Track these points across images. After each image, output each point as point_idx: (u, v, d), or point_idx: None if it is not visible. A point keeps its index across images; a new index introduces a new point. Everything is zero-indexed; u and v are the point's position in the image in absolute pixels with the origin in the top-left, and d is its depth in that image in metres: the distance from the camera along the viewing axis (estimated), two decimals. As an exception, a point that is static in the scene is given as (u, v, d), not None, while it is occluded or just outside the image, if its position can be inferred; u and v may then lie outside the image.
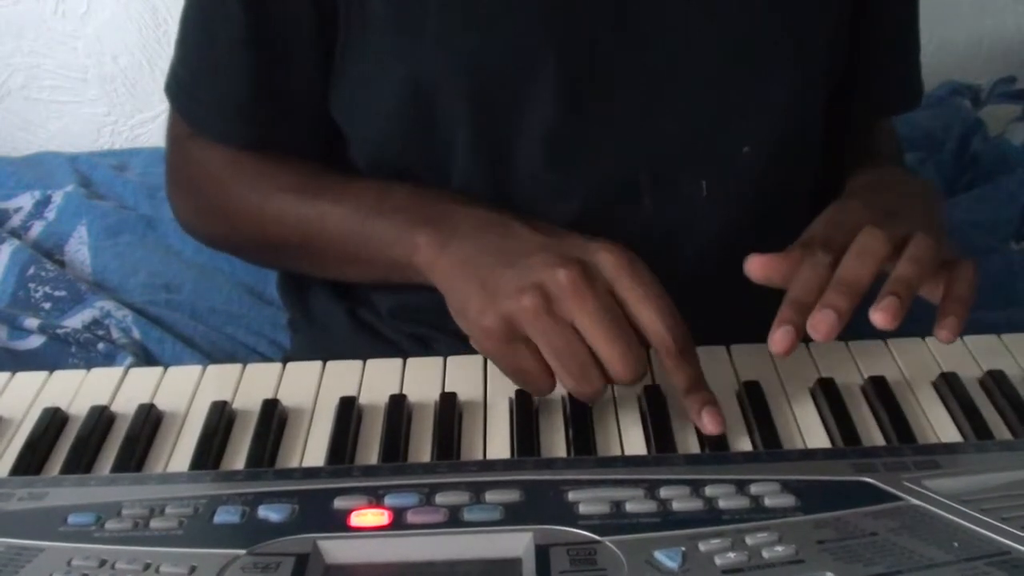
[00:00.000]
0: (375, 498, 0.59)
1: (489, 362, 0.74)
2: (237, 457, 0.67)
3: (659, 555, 0.54)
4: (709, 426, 0.67)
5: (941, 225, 0.78)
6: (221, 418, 0.70)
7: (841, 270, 0.66)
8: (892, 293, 0.65)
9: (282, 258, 0.89)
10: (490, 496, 0.59)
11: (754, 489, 0.59)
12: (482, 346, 0.69)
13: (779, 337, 0.65)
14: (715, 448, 0.66)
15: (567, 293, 0.65)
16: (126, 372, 0.76)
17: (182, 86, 0.83)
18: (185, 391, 0.74)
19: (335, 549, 0.56)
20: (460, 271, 0.70)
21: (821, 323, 0.64)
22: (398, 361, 0.76)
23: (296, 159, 0.83)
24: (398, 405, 0.70)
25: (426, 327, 0.84)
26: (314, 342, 0.91)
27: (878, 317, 0.64)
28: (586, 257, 0.67)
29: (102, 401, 0.72)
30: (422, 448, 0.68)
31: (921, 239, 0.68)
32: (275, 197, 0.81)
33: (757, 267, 0.68)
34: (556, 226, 0.73)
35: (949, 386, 0.71)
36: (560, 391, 0.71)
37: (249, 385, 0.74)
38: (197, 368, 0.77)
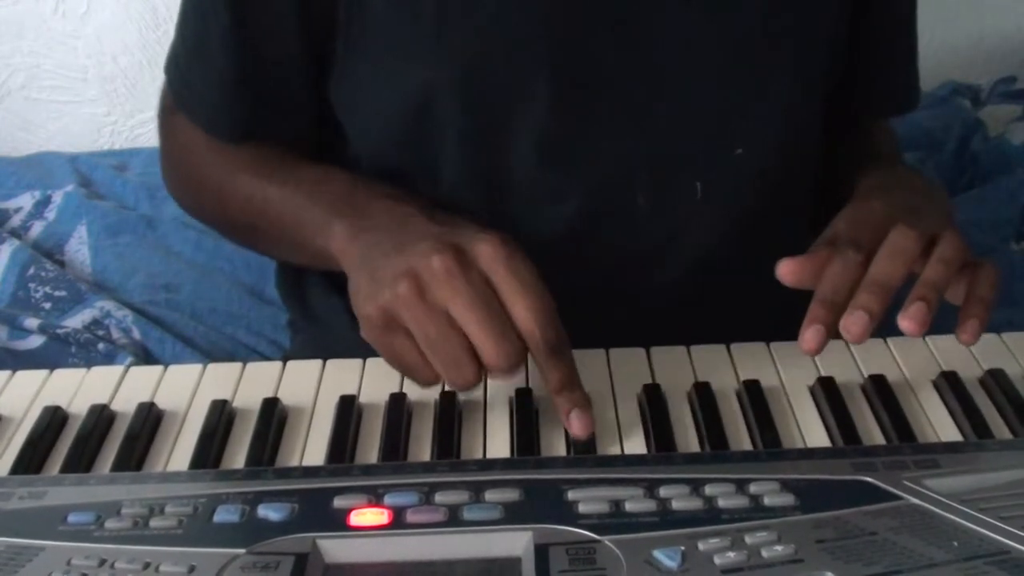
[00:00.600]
0: (375, 497, 0.59)
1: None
2: (237, 456, 0.67)
3: (658, 554, 0.54)
4: (576, 429, 0.65)
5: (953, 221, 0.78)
6: (221, 417, 0.70)
7: (873, 270, 0.66)
8: (921, 299, 0.64)
9: (240, 236, 0.90)
10: (490, 495, 0.59)
11: (753, 488, 0.59)
12: (366, 334, 0.68)
13: (810, 336, 0.64)
14: (714, 447, 0.66)
15: (439, 280, 0.64)
16: (126, 371, 0.76)
17: (179, 68, 0.84)
18: (185, 390, 0.74)
19: (335, 548, 0.56)
20: (359, 260, 0.70)
21: (854, 325, 0.63)
22: (398, 360, 0.76)
23: (264, 142, 0.84)
24: (398, 404, 0.70)
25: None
26: (314, 341, 0.92)
27: (907, 324, 0.63)
28: (465, 246, 0.66)
29: (102, 400, 0.72)
30: (422, 447, 0.68)
31: (950, 239, 0.68)
32: (233, 176, 0.83)
33: (789, 271, 0.67)
34: (459, 218, 0.72)
35: (949, 385, 0.71)
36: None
37: (249, 384, 0.74)
38: (197, 367, 0.77)
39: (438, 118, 0.77)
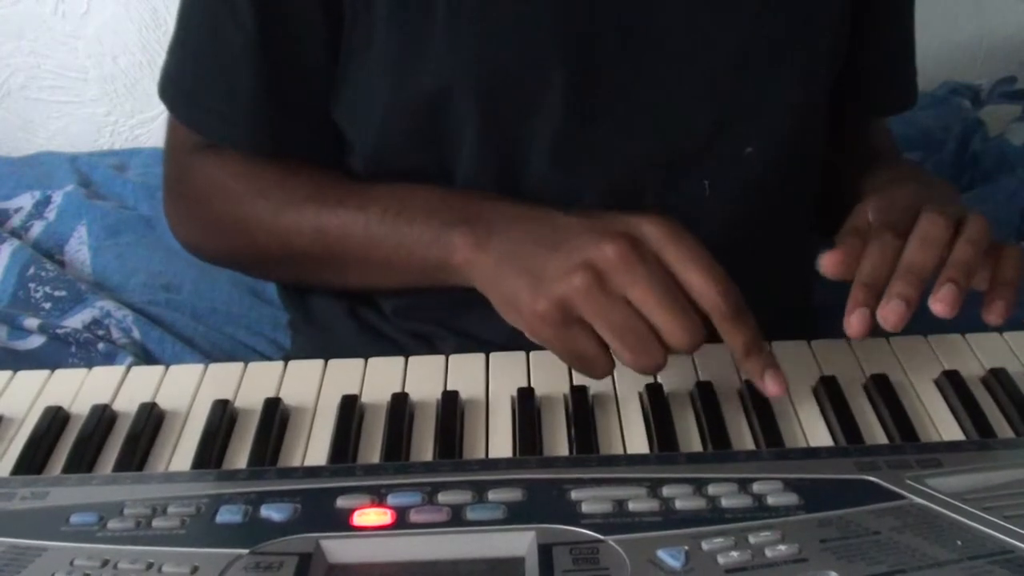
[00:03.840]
0: (378, 497, 0.59)
1: (491, 360, 0.74)
2: (239, 456, 0.67)
3: (662, 554, 0.54)
4: (771, 388, 0.66)
5: None
6: (223, 417, 0.70)
7: (907, 257, 0.67)
8: (951, 280, 0.65)
9: (302, 271, 0.85)
10: (493, 495, 0.59)
11: (757, 488, 0.59)
12: (538, 334, 0.67)
13: (856, 320, 0.65)
14: (717, 446, 0.66)
15: (617, 267, 0.64)
16: (127, 371, 0.76)
17: (184, 92, 0.81)
18: (187, 390, 0.74)
19: (338, 549, 0.56)
20: (505, 266, 0.69)
21: (892, 313, 0.64)
22: (400, 360, 0.76)
23: (307, 166, 0.81)
24: (400, 404, 0.70)
25: (429, 325, 0.84)
26: (315, 342, 0.91)
27: (939, 307, 0.64)
28: (631, 230, 0.66)
29: (104, 400, 0.72)
30: (424, 447, 0.68)
31: (976, 220, 0.69)
32: (291, 208, 0.79)
33: (832, 263, 0.68)
34: (591, 210, 0.72)
35: (951, 384, 0.71)
36: (562, 388, 0.71)
37: (251, 384, 0.74)
38: (199, 367, 0.77)
39: (451, 120, 0.76)
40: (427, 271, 0.75)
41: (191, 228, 0.88)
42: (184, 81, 0.81)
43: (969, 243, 0.67)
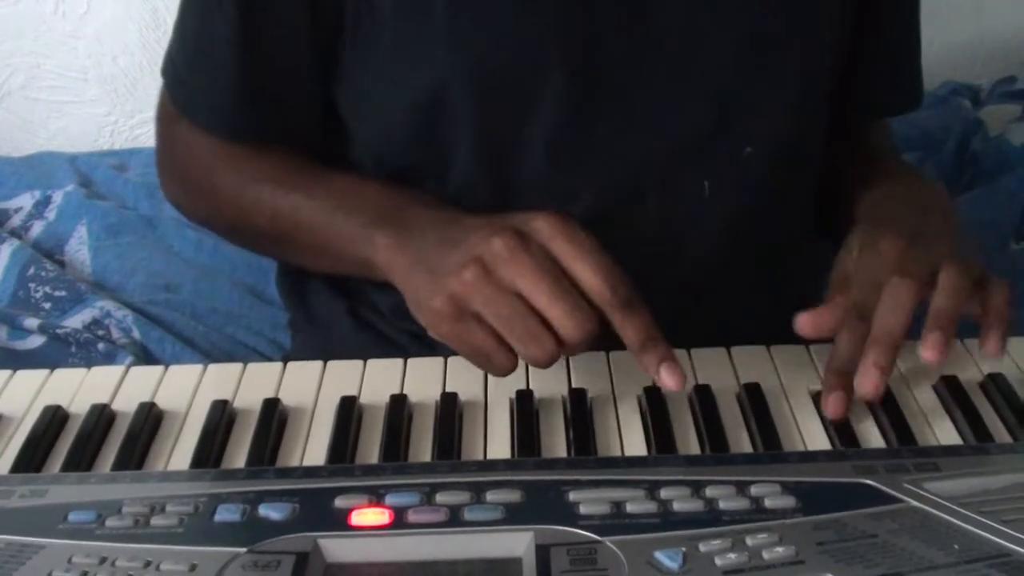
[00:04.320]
0: (376, 497, 0.59)
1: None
2: (238, 456, 0.67)
3: (660, 555, 0.54)
4: (668, 381, 0.66)
5: (958, 229, 0.79)
6: (222, 417, 0.70)
7: (877, 326, 0.69)
8: (937, 328, 0.67)
9: (261, 245, 0.90)
10: (491, 496, 0.59)
11: (754, 490, 0.59)
12: (437, 331, 0.69)
13: (832, 402, 0.68)
14: (715, 449, 0.66)
15: (504, 260, 0.65)
16: (127, 371, 0.76)
17: (177, 71, 0.83)
18: (186, 390, 0.74)
19: (336, 548, 0.56)
20: (415, 267, 0.71)
21: (868, 383, 0.67)
22: (399, 361, 0.76)
23: (280, 148, 0.83)
24: (399, 405, 0.70)
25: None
26: (315, 342, 0.91)
27: (929, 355, 0.67)
28: (520, 225, 0.67)
29: (103, 399, 0.72)
30: (423, 448, 0.68)
31: (952, 270, 0.70)
32: (253, 186, 0.82)
33: (808, 326, 0.70)
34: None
35: (949, 389, 0.71)
36: (561, 390, 0.71)
37: (250, 384, 0.74)
38: (198, 367, 0.77)
39: (448, 118, 0.77)
40: (357, 264, 0.77)
41: (175, 189, 0.91)
42: (178, 59, 0.83)
43: (946, 293, 0.69)
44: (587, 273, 0.65)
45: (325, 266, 0.84)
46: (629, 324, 0.66)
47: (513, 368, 0.67)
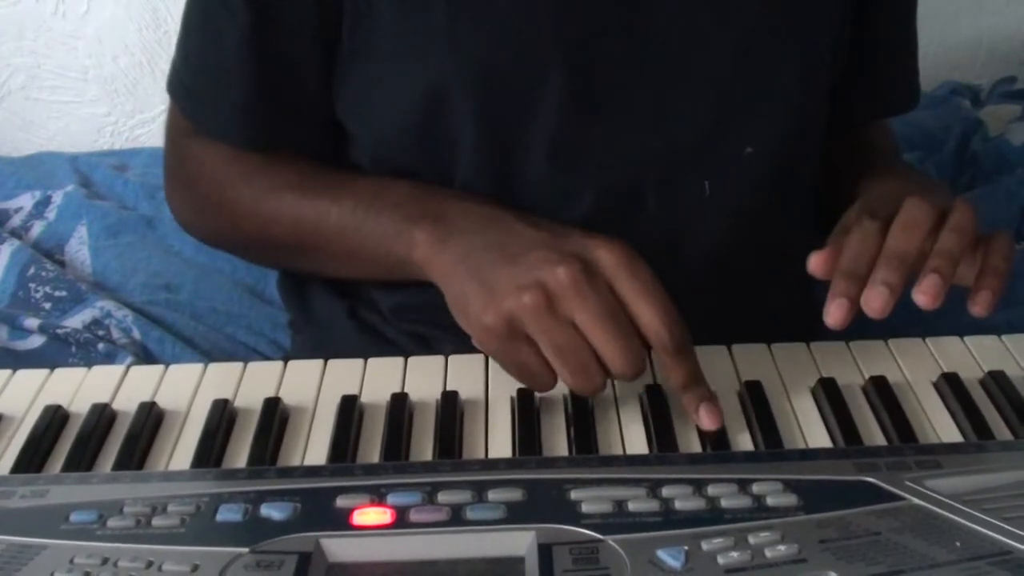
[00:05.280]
0: (377, 497, 0.59)
1: (491, 361, 0.74)
2: (238, 456, 0.67)
3: (662, 554, 0.54)
4: (706, 422, 0.67)
5: None
6: (222, 416, 0.70)
7: (889, 243, 0.67)
8: (934, 270, 0.65)
9: (281, 256, 0.89)
10: (492, 495, 0.59)
11: (756, 488, 0.59)
12: (484, 344, 0.69)
13: (834, 309, 0.65)
14: (717, 447, 0.66)
15: (568, 291, 0.65)
16: (127, 370, 0.76)
17: (185, 85, 0.83)
18: (186, 389, 0.74)
19: (338, 548, 0.56)
20: (460, 268, 0.70)
21: (875, 299, 0.64)
22: (399, 360, 0.76)
23: (293, 155, 0.83)
24: (400, 404, 0.70)
25: (427, 326, 0.84)
26: (315, 342, 0.91)
27: (921, 298, 0.64)
28: (586, 254, 0.67)
29: (103, 399, 0.72)
30: (424, 447, 0.68)
31: (963, 207, 0.69)
32: (272, 195, 0.81)
33: (819, 263, 0.68)
34: (555, 223, 0.73)
35: (950, 386, 0.71)
36: (562, 389, 0.71)
37: (250, 383, 0.74)
38: (198, 366, 0.77)
39: (449, 119, 0.77)
40: (391, 264, 0.76)
41: (185, 209, 0.90)
42: (184, 73, 0.83)
43: (954, 231, 0.67)
44: (648, 314, 0.66)
45: (353, 272, 0.83)
46: (678, 366, 0.67)
47: (554, 386, 0.68)
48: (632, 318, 0.66)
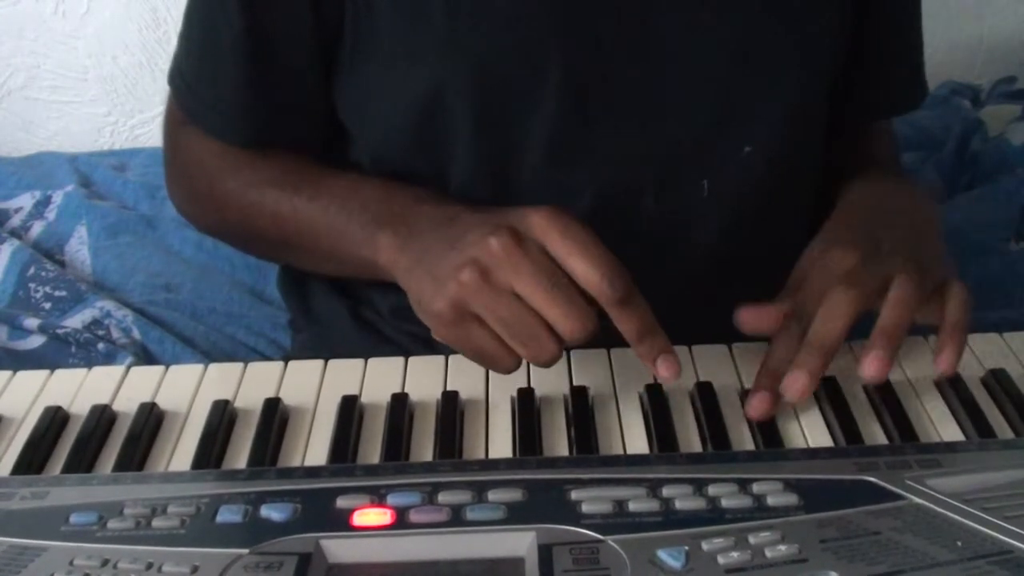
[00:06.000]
0: (377, 497, 0.59)
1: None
2: (239, 456, 0.67)
3: (662, 554, 0.54)
4: (664, 372, 0.66)
5: (934, 237, 0.79)
6: (223, 417, 0.70)
7: (810, 334, 0.69)
8: (877, 347, 0.67)
9: (265, 249, 0.90)
10: (493, 495, 0.59)
11: (757, 488, 0.59)
12: (439, 334, 0.68)
13: (755, 403, 0.68)
14: (717, 447, 0.66)
15: (500, 261, 0.65)
16: (127, 371, 0.76)
17: (183, 77, 0.84)
18: (186, 390, 0.74)
19: (338, 548, 0.56)
20: (416, 269, 0.70)
21: (792, 385, 0.67)
22: (400, 360, 0.76)
23: (281, 151, 0.83)
24: (400, 404, 0.70)
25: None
26: (316, 341, 0.91)
27: (866, 372, 0.67)
28: (515, 223, 0.66)
29: (103, 400, 0.72)
30: (424, 447, 0.68)
31: (903, 282, 0.69)
32: (254, 190, 0.82)
33: (747, 320, 0.70)
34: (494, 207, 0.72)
35: (951, 385, 0.71)
36: (562, 389, 0.71)
37: (251, 384, 0.74)
38: (198, 367, 0.77)
39: (448, 119, 0.77)
40: (361, 265, 0.76)
41: (182, 198, 0.91)
42: (184, 69, 0.84)
43: (894, 306, 0.69)
44: (583, 269, 0.64)
45: (330, 269, 0.84)
46: (627, 318, 0.65)
47: (517, 366, 0.67)
48: (571, 277, 0.65)
